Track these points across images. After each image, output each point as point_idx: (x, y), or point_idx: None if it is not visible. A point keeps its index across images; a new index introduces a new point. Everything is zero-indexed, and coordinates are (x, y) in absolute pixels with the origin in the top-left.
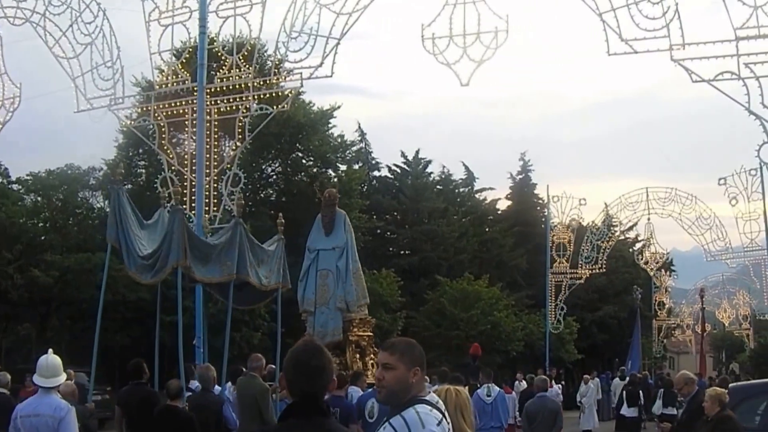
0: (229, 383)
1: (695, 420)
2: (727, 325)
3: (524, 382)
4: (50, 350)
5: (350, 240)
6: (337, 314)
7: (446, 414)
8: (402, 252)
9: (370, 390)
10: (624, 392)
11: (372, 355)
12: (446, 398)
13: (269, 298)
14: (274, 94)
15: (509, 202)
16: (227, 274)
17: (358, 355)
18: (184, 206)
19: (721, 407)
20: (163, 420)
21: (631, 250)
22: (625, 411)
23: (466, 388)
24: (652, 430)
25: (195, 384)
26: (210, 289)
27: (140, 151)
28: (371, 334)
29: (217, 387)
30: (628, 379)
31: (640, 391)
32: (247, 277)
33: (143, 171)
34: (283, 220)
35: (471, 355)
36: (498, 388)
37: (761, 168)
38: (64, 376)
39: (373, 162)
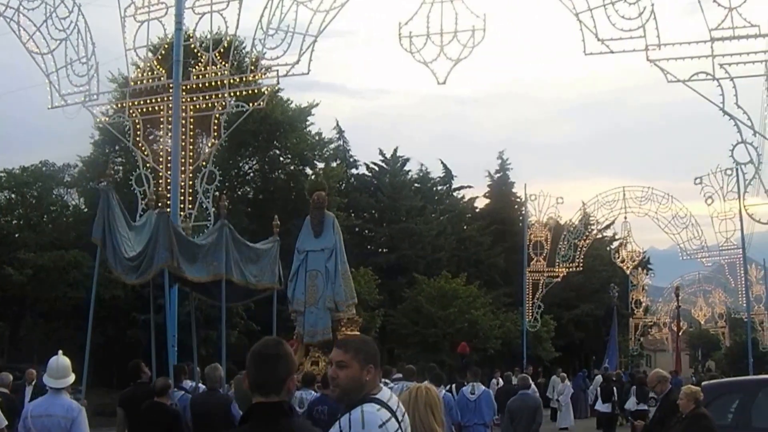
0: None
1: (668, 417)
2: (703, 323)
3: (501, 380)
4: (60, 352)
5: (339, 242)
6: (327, 314)
7: (399, 413)
8: (380, 250)
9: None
10: (598, 389)
11: None
12: (416, 396)
13: (258, 296)
14: (250, 92)
15: (487, 201)
16: (213, 274)
17: None
18: (160, 203)
19: (696, 405)
20: (151, 415)
21: (608, 248)
22: (599, 406)
23: (453, 385)
24: (628, 427)
25: (189, 384)
26: (193, 289)
27: (116, 147)
28: (359, 333)
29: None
30: (601, 376)
31: (614, 388)
32: (232, 276)
33: (120, 168)
34: (278, 222)
35: (459, 353)
36: (483, 387)
37: (736, 168)
38: (73, 377)
39: (351, 160)
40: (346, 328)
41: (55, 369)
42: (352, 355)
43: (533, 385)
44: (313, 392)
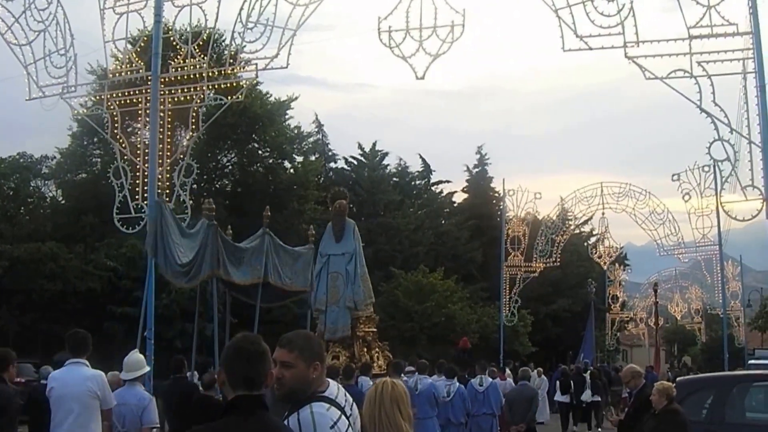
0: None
1: (642, 413)
2: (679, 318)
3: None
4: (135, 349)
5: (358, 247)
6: (346, 312)
7: (347, 407)
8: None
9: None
10: (558, 382)
11: (377, 349)
12: (382, 391)
13: (291, 298)
14: (229, 85)
15: (465, 195)
16: (256, 277)
17: (365, 349)
18: (137, 196)
19: (669, 401)
20: (200, 408)
21: (585, 244)
22: (558, 397)
23: (455, 378)
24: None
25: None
26: (233, 291)
27: (95, 140)
28: (375, 329)
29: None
30: (561, 369)
31: (572, 381)
32: (272, 279)
33: (98, 160)
34: (313, 232)
35: (460, 348)
36: (490, 379)
37: (713, 165)
38: (145, 369)
39: (330, 154)
40: (365, 325)
41: (128, 364)
42: (297, 354)
43: (509, 381)
44: (368, 380)
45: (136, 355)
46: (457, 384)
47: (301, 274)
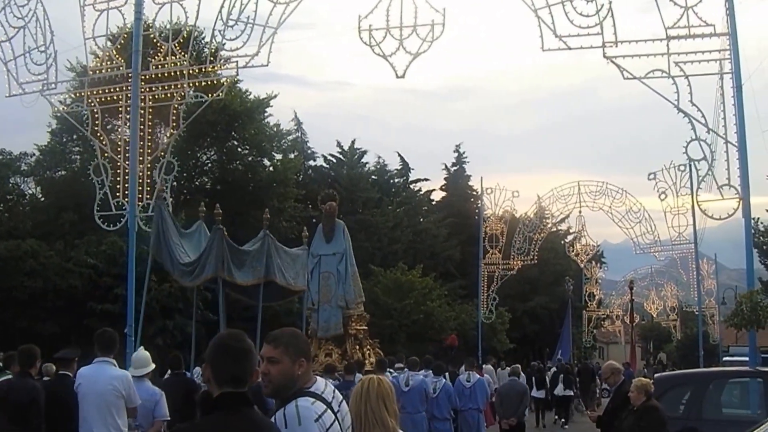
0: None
1: (621, 409)
2: (655, 316)
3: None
4: (141, 347)
5: (348, 247)
6: (338, 311)
7: (335, 403)
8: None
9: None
10: (533, 378)
11: (368, 346)
12: (368, 387)
13: (291, 297)
14: (209, 82)
15: (443, 194)
16: (257, 278)
17: (357, 347)
18: (117, 193)
19: (647, 397)
20: (204, 403)
21: (562, 242)
22: (534, 393)
23: (441, 375)
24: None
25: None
26: (234, 291)
27: (74, 137)
28: (366, 327)
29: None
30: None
31: (546, 377)
32: (274, 278)
33: (77, 157)
34: (307, 233)
35: (448, 345)
36: (478, 375)
37: (689, 164)
38: (152, 366)
39: (309, 151)
40: (356, 323)
41: (136, 360)
42: (282, 350)
43: (487, 376)
44: (331, 380)
45: (143, 353)
46: (444, 381)
47: (301, 274)
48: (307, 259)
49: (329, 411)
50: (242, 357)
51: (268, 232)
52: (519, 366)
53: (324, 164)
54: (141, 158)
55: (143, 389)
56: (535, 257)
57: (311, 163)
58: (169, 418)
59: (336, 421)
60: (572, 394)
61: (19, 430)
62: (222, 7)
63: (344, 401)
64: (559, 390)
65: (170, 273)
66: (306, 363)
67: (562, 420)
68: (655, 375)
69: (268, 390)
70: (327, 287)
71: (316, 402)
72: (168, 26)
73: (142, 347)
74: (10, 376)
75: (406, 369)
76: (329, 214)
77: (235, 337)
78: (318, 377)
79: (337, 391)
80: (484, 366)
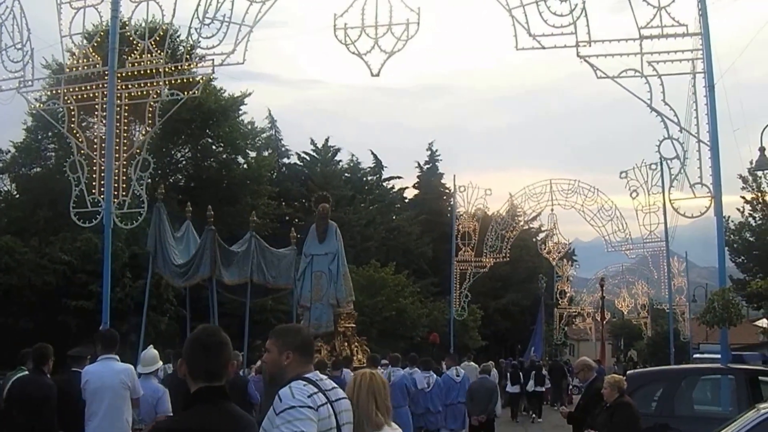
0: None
1: (592, 405)
2: (626, 313)
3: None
4: (151, 346)
5: (340, 247)
6: (329, 309)
7: (332, 394)
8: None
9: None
10: (508, 374)
11: (356, 343)
12: (360, 382)
13: (276, 294)
14: (185, 80)
15: (416, 191)
16: (244, 278)
17: (345, 343)
18: (93, 190)
19: (619, 393)
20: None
21: (534, 239)
22: (509, 388)
23: (431, 371)
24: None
25: None
26: (225, 291)
27: (49, 134)
28: (354, 325)
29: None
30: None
31: (520, 373)
32: (255, 278)
33: (53, 154)
34: (295, 234)
35: (431, 342)
36: (463, 371)
37: (661, 163)
38: (160, 364)
39: (283, 149)
40: (345, 321)
41: (145, 358)
42: (273, 341)
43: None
44: (322, 376)
45: (152, 351)
46: (435, 376)
47: (285, 273)
48: (294, 258)
49: (321, 394)
50: (216, 351)
51: (254, 233)
52: (490, 364)
53: (298, 162)
54: (117, 155)
55: (148, 386)
56: (507, 255)
57: (285, 160)
58: (171, 414)
59: (328, 406)
60: (543, 390)
61: (33, 425)
62: (198, 5)
63: (345, 398)
64: (530, 386)
65: (162, 273)
66: (293, 355)
67: (534, 415)
68: (628, 372)
69: (266, 376)
70: (319, 286)
71: (308, 384)
72: (144, 24)
73: (151, 346)
74: (26, 372)
75: (389, 365)
76: (322, 215)
77: (210, 332)
78: (316, 371)
79: (336, 386)
80: (465, 363)
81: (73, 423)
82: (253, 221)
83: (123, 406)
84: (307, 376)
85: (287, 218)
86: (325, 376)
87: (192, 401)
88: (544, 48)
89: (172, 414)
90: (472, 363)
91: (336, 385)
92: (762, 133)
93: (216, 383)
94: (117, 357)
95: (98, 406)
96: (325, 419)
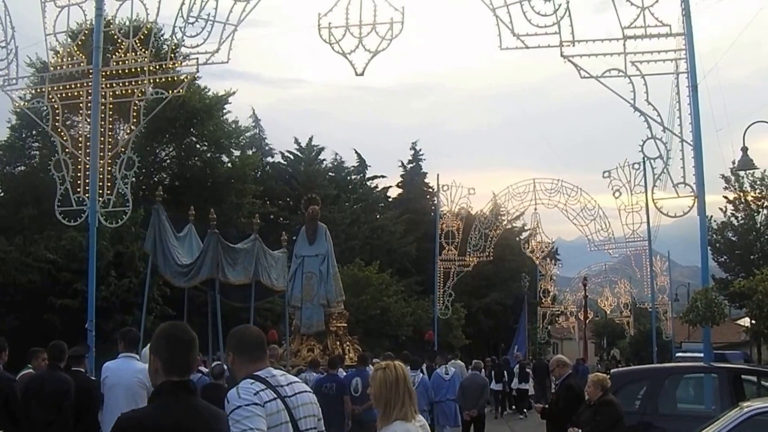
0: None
1: (564, 400)
2: (608, 312)
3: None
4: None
5: (330, 248)
6: (320, 309)
7: (287, 389)
8: (294, 238)
9: (353, 370)
10: (492, 372)
11: (348, 342)
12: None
13: (273, 296)
14: (169, 79)
15: (400, 190)
16: (248, 277)
17: (337, 342)
18: (78, 189)
19: (603, 392)
20: (208, 394)
21: (517, 239)
22: (493, 386)
23: (418, 369)
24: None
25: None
26: (224, 297)
27: (33, 132)
28: (345, 324)
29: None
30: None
31: (504, 371)
32: (263, 279)
33: (37, 153)
34: (285, 237)
35: (426, 341)
36: (453, 369)
37: (644, 162)
38: None
39: (267, 148)
40: (336, 321)
41: (145, 355)
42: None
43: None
44: (315, 374)
45: None
46: (421, 375)
47: (282, 275)
48: (287, 261)
49: (270, 390)
50: (186, 346)
51: (258, 235)
52: (480, 362)
53: (282, 161)
54: (101, 154)
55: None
56: (491, 254)
57: (269, 159)
58: None
59: (278, 401)
60: (528, 387)
61: (52, 418)
62: (182, 3)
63: (308, 392)
64: (515, 383)
65: (163, 274)
66: (232, 356)
67: (518, 411)
68: (612, 370)
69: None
70: (309, 286)
71: (255, 382)
72: (128, 23)
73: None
74: (30, 370)
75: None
76: (312, 217)
77: (180, 328)
78: (271, 368)
79: (297, 381)
80: (454, 361)
81: (85, 416)
82: (256, 224)
83: (136, 403)
84: (257, 374)
85: (272, 217)
86: (279, 372)
87: (157, 394)
88: (528, 48)
89: None
90: (459, 361)
91: (297, 380)
92: (745, 133)
93: (183, 377)
94: (137, 356)
95: (115, 401)
96: (273, 414)
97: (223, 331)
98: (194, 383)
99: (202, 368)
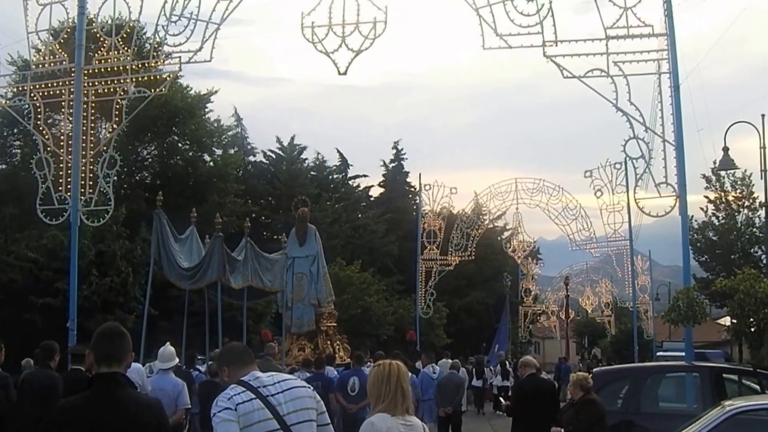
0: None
1: (515, 398)
2: (590, 311)
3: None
4: (168, 343)
5: (320, 249)
6: (311, 309)
7: (272, 389)
8: (276, 237)
9: (350, 370)
10: (474, 370)
11: (338, 342)
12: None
13: (268, 297)
14: (152, 77)
15: (382, 190)
16: (246, 282)
17: (328, 342)
18: (60, 188)
19: (585, 391)
20: (206, 390)
21: (499, 238)
22: (474, 382)
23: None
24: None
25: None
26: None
27: (15, 130)
28: (335, 324)
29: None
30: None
31: (484, 369)
32: (253, 282)
33: (18, 151)
34: (284, 239)
35: (408, 341)
36: (439, 368)
37: (626, 162)
38: (176, 361)
39: (249, 147)
40: (327, 320)
41: (163, 355)
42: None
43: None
44: (307, 373)
45: (170, 348)
46: (409, 374)
47: (279, 277)
48: (285, 262)
49: (248, 392)
50: (113, 337)
51: (249, 239)
52: (459, 361)
53: (264, 160)
54: (83, 153)
55: (168, 380)
56: (473, 253)
57: (251, 158)
58: (190, 406)
59: (256, 401)
60: (508, 384)
61: (41, 413)
62: (165, 2)
63: (302, 387)
64: (497, 381)
65: (168, 277)
66: (227, 370)
67: (498, 408)
68: (594, 369)
69: None
70: (300, 287)
71: (236, 386)
72: (111, 21)
73: (168, 343)
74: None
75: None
76: (302, 219)
77: (110, 324)
78: (257, 371)
79: (288, 378)
80: (443, 360)
81: None
82: (247, 227)
83: None
84: (242, 379)
85: (254, 216)
86: (266, 375)
87: (89, 385)
88: (510, 47)
89: (190, 406)
90: (449, 360)
91: (289, 378)
92: (726, 134)
93: (113, 368)
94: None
95: None
96: (249, 413)
97: (222, 331)
98: (125, 376)
99: (200, 367)
